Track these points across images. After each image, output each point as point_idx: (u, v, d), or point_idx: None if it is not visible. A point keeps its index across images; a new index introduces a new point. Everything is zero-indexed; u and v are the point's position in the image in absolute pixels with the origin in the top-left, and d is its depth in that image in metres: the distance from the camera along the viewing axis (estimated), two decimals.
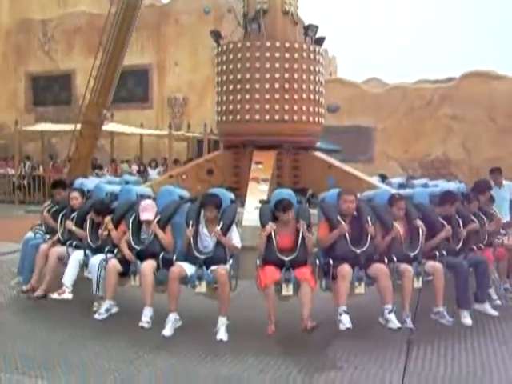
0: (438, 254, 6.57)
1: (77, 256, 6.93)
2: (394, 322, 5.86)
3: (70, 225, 7.34)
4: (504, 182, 9.68)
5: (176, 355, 5.65)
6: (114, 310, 6.42)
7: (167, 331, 5.86)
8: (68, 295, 6.74)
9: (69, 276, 6.85)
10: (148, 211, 6.61)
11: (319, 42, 9.55)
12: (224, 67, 9.39)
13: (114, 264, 6.38)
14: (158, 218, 6.57)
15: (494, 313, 6.89)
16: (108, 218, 6.87)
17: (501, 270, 7.79)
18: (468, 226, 7.25)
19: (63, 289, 6.76)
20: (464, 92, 22.02)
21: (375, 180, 10.10)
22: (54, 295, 6.72)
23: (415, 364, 5.51)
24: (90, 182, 8.49)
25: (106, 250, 6.61)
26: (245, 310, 6.56)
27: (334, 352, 5.79)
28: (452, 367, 5.45)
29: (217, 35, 9.76)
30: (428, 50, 68.20)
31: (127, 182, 9.27)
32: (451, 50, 65.93)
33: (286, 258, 6.04)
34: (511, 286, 7.84)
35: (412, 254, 6.37)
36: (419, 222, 6.53)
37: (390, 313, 5.92)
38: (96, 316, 6.27)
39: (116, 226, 6.81)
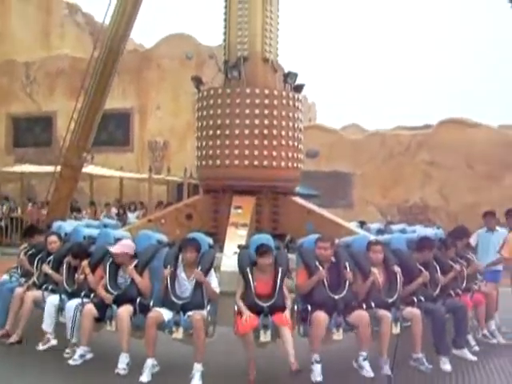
0: (415, 299, 6.59)
1: (52, 301, 6.85)
2: (368, 371, 5.88)
3: (47, 268, 7.27)
4: (498, 228, 9.29)
5: None
6: (89, 355, 6.33)
7: (145, 377, 5.78)
8: (53, 341, 6.78)
9: (48, 322, 6.80)
10: (118, 246, 6.60)
11: (298, 89, 9.72)
12: (204, 112, 9.50)
13: (90, 309, 6.31)
14: (135, 263, 6.52)
15: (473, 358, 6.89)
16: (85, 262, 6.82)
17: (479, 315, 7.80)
18: (446, 272, 7.29)
19: (47, 337, 6.75)
20: (441, 139, 22.35)
21: (353, 226, 10.16)
22: (40, 347, 6.71)
23: None
24: (68, 225, 8.44)
25: (83, 294, 6.55)
26: (222, 356, 6.48)
27: None
28: None
29: (198, 81, 9.89)
30: (405, 98, 69.35)
31: (106, 226, 9.23)
32: (428, 97, 67.16)
33: (265, 304, 6.00)
34: (489, 332, 7.86)
35: (390, 300, 6.37)
36: (397, 268, 6.56)
37: (364, 360, 5.91)
38: (70, 362, 6.19)
39: (93, 270, 6.76)
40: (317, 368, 5.66)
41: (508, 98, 61.25)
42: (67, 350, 6.50)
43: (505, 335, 8.10)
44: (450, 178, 22.08)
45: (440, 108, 53.40)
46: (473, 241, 9.14)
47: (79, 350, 6.25)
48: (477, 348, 7.24)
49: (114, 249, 6.62)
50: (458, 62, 75.24)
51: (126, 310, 6.16)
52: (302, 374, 5.72)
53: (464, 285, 7.61)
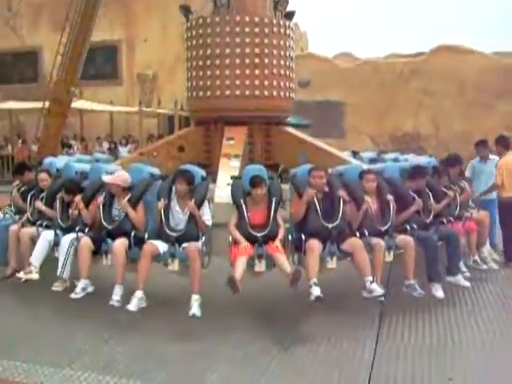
0: (408, 227, 6.64)
1: (47, 236, 6.83)
2: (379, 290, 5.89)
3: (40, 205, 7.24)
4: (491, 157, 9.18)
5: (149, 333, 5.64)
6: (90, 289, 6.33)
7: (132, 306, 5.72)
8: (34, 275, 6.62)
9: (37, 255, 6.72)
10: (112, 176, 6.60)
11: (289, 16, 9.52)
12: (193, 42, 9.31)
13: (87, 242, 6.30)
14: (128, 197, 6.50)
15: (467, 284, 6.98)
16: (78, 197, 6.77)
17: (471, 242, 7.89)
18: (439, 199, 7.32)
19: (30, 268, 6.65)
20: (434, 66, 22.11)
21: (346, 155, 10.15)
22: (21, 274, 6.65)
23: (387, 335, 5.59)
24: (59, 161, 8.37)
25: (77, 229, 6.54)
26: (217, 286, 6.56)
27: (308, 326, 5.84)
28: (423, 338, 5.54)
29: (186, 10, 9.66)
30: (398, 25, 68.14)
31: (97, 160, 9.18)
32: (421, 24, 66.05)
33: (259, 234, 6.04)
34: (480, 259, 7.98)
35: (383, 228, 6.41)
36: (390, 197, 6.57)
37: (371, 283, 5.92)
38: (72, 295, 6.17)
39: (86, 205, 6.73)
40: (316, 289, 5.64)
41: (503, 25, 60.31)
42: (56, 284, 6.48)
43: (496, 261, 8.24)
44: (442, 106, 21.97)
45: (433, 35, 52.58)
46: (468, 172, 9.15)
47: (80, 284, 6.24)
48: (468, 274, 7.34)
49: (107, 178, 6.59)
50: None
51: (121, 243, 6.16)
52: (295, 302, 5.81)
53: (457, 212, 7.67)
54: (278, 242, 6.07)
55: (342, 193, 6.31)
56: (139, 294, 5.88)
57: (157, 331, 5.68)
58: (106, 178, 6.62)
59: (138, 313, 5.75)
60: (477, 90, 21.66)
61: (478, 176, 9.09)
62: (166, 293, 6.45)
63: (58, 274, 6.49)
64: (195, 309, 5.80)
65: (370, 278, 5.95)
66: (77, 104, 19.60)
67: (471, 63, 21.84)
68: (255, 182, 6.22)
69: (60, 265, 6.50)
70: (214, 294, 6.20)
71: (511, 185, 8.29)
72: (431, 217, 7.05)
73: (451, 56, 22.15)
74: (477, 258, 7.94)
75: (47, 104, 16.47)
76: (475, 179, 9.08)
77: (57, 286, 6.49)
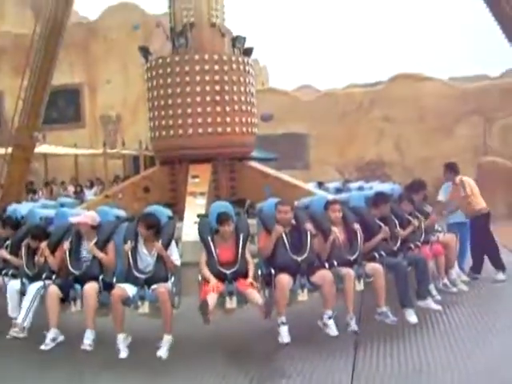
0: (377, 255, 6.68)
1: (14, 285, 6.69)
2: (333, 329, 5.95)
3: (4, 253, 7.12)
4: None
5: (121, 377, 5.53)
6: (61, 338, 6.21)
7: (123, 353, 5.79)
8: (19, 334, 6.36)
9: (13, 307, 6.58)
10: (82, 216, 6.54)
11: (248, 52, 9.63)
12: (154, 82, 9.35)
13: (54, 290, 6.18)
14: (95, 240, 6.43)
15: (437, 307, 7.04)
16: (44, 244, 6.68)
17: (439, 265, 7.97)
18: (404, 225, 7.41)
19: (14, 322, 6.42)
20: (393, 94, 22.50)
21: (311, 186, 10.22)
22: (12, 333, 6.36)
23: (363, 365, 5.56)
24: (23, 208, 8.26)
25: (44, 276, 6.42)
26: (188, 326, 6.49)
27: (281, 361, 5.76)
28: (399, 365, 5.53)
29: (145, 51, 9.72)
30: (356, 56, 69.62)
31: (63, 205, 9.08)
32: (379, 55, 67.48)
33: (228, 271, 6.01)
34: (449, 281, 8.05)
35: (352, 258, 6.45)
36: (356, 226, 6.63)
37: (329, 319, 5.99)
38: (42, 347, 6.05)
39: (53, 251, 6.63)
40: (284, 330, 5.71)
41: (457, 50, 61.97)
42: (15, 329, 6.25)
43: (465, 282, 8.32)
44: (404, 133, 22.32)
45: (391, 64, 53.72)
46: (441, 196, 9.28)
47: (50, 334, 6.12)
48: (439, 297, 7.41)
49: (76, 219, 6.51)
50: (406, 17, 75.58)
51: (92, 287, 6.07)
52: (268, 338, 5.77)
53: (423, 237, 7.76)
54: (250, 279, 6.06)
55: (308, 226, 6.34)
56: (121, 337, 5.88)
57: (128, 374, 5.56)
58: (74, 219, 6.53)
59: (109, 356, 5.66)
60: (436, 115, 22.10)
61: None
62: (136, 335, 6.33)
63: (18, 321, 6.28)
64: (163, 351, 5.76)
65: (330, 313, 6.02)
66: (40, 148, 19.36)
67: (429, 90, 22.31)
68: (222, 219, 6.22)
69: (23, 313, 6.32)
70: (186, 334, 6.14)
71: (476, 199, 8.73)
72: (398, 243, 7.12)
73: (409, 83, 22.60)
74: (446, 281, 8.01)
75: (10, 150, 16.26)
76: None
77: (15, 332, 6.25)
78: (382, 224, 6.97)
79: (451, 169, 9.31)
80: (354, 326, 6.20)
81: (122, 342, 5.88)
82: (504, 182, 16.48)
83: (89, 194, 19.81)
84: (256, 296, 5.80)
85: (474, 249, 8.96)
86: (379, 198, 7.27)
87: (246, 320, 6.02)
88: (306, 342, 6.04)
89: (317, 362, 5.65)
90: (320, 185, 11.13)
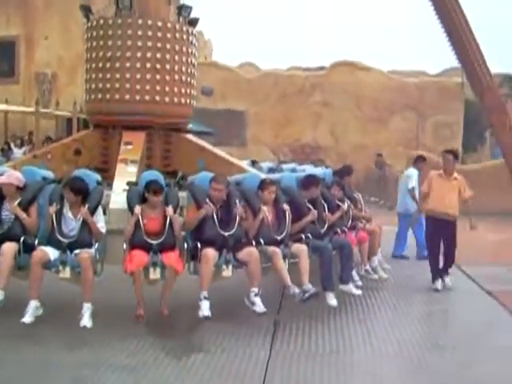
0: (303, 236, 6.75)
1: None
2: (260, 306, 5.97)
3: None
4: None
5: (40, 344, 5.39)
6: None
7: (27, 318, 5.57)
8: None
9: None
10: (4, 176, 6.29)
11: (193, 22, 9.48)
12: (94, 43, 9.09)
13: None
14: (19, 200, 6.22)
15: (358, 292, 7.22)
16: None
17: (363, 252, 8.15)
18: (333, 210, 7.52)
19: None
20: (333, 81, 22.76)
21: (245, 164, 10.22)
22: None
23: (281, 343, 5.64)
24: None
25: None
26: (111, 294, 6.41)
27: (202, 335, 5.78)
28: (316, 346, 5.65)
29: (87, 10, 9.43)
30: (301, 40, 69.77)
31: None
32: (323, 41, 67.90)
33: (154, 242, 5.95)
34: (371, 268, 8.25)
35: (279, 237, 6.50)
36: (286, 206, 6.67)
37: (255, 296, 6.01)
38: None
39: None
40: (205, 304, 5.71)
41: (399, 44, 63.07)
42: None
43: (386, 270, 8.55)
44: (341, 119, 22.65)
45: (334, 52, 54.16)
46: (411, 184, 9.89)
47: None
48: (360, 283, 7.59)
49: (1, 179, 6.26)
50: (358, 5, 76.27)
51: (10, 247, 5.85)
52: (190, 311, 5.77)
53: (350, 223, 7.90)
54: (177, 252, 6.06)
55: (239, 209, 6.33)
56: (33, 304, 5.68)
57: (47, 342, 5.43)
58: (1, 179, 6.28)
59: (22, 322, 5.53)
60: (373, 105, 22.52)
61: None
62: (57, 301, 6.21)
63: None
64: (86, 319, 5.69)
65: (256, 290, 6.04)
66: None
67: (369, 80, 22.69)
68: (153, 188, 6.11)
69: None
70: (107, 303, 6.06)
71: (435, 198, 8.00)
72: (326, 227, 7.21)
73: (350, 71, 22.91)
74: (368, 267, 8.20)
75: None
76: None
77: None
78: (311, 206, 7.04)
79: (424, 160, 10.33)
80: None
81: (32, 309, 5.65)
82: None
83: (17, 153, 19.16)
84: (166, 291, 5.88)
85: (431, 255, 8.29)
86: (310, 181, 7.33)
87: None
88: (227, 318, 6.08)
89: (236, 338, 5.69)
90: (254, 163, 11.15)
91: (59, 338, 5.51)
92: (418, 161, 10.34)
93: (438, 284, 7.87)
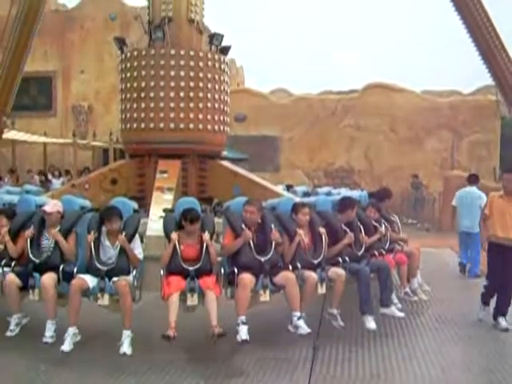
0: (340, 260, 6.70)
1: None
2: (304, 328, 5.90)
3: None
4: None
5: (79, 371, 5.44)
6: (25, 320, 6.21)
7: (66, 346, 5.64)
8: None
9: None
10: (48, 205, 6.39)
11: (224, 50, 9.60)
12: (128, 74, 9.27)
13: (13, 278, 6.06)
14: (58, 228, 6.33)
15: (401, 314, 7.10)
16: (5, 230, 6.53)
17: (401, 274, 8.03)
18: (369, 232, 7.45)
19: None
20: (366, 103, 22.70)
21: (280, 189, 10.23)
22: None
23: (321, 367, 5.60)
24: None
25: (3, 263, 6.29)
26: (149, 321, 6.43)
27: (241, 360, 5.77)
28: (356, 369, 5.58)
29: (120, 42, 9.63)
30: (332, 64, 70.06)
31: (28, 192, 8.94)
32: (355, 64, 68.03)
33: (191, 268, 5.97)
34: (411, 290, 8.12)
35: (316, 261, 6.46)
36: (322, 229, 6.64)
37: (298, 319, 5.95)
38: (8, 333, 6.01)
39: (14, 238, 6.50)
40: (243, 329, 5.67)
41: (431, 64, 62.74)
42: None
43: (426, 292, 8.41)
44: (374, 142, 22.55)
45: (366, 74, 54.24)
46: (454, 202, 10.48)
47: (13, 320, 6.07)
48: (399, 306, 7.46)
49: (47, 208, 6.37)
50: (386, 27, 76.36)
51: (50, 278, 5.97)
52: (229, 337, 5.75)
53: (388, 245, 7.82)
54: (213, 278, 6.05)
55: (274, 234, 6.31)
56: (71, 331, 5.76)
57: (86, 369, 5.49)
58: (47, 208, 6.37)
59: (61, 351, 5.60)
60: (407, 126, 22.37)
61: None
62: (97, 328, 6.26)
63: None
64: (126, 346, 5.72)
65: (298, 314, 5.98)
66: (8, 134, 19.07)
67: (402, 101, 22.56)
68: (192, 217, 6.13)
69: None
70: (146, 330, 6.08)
71: (497, 222, 7.20)
72: (363, 249, 7.15)
73: (383, 93, 22.83)
74: (408, 289, 8.07)
75: None
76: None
77: None
78: (347, 229, 6.99)
79: (478, 178, 10.62)
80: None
81: (70, 336, 5.73)
82: None
83: (56, 184, 19.51)
84: (213, 312, 5.74)
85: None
86: (346, 203, 7.29)
87: (206, 317, 5.97)
88: (266, 342, 6.06)
89: (275, 362, 5.67)
90: (288, 188, 11.15)
91: (99, 365, 5.56)
92: (475, 179, 10.56)
93: (481, 313, 7.36)
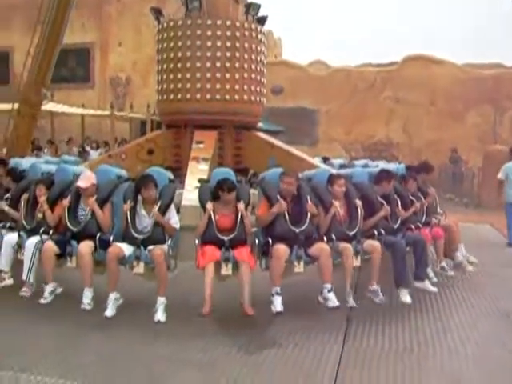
0: (376, 232, 6.63)
1: (10, 239, 6.69)
2: (333, 301, 5.88)
3: (3, 205, 7.10)
4: None
5: (116, 337, 5.53)
6: (59, 290, 6.33)
7: (109, 311, 5.79)
8: (8, 281, 6.63)
9: (5, 261, 6.65)
10: (82, 180, 6.46)
11: (261, 21, 9.51)
12: (165, 45, 9.26)
13: (50, 246, 6.18)
14: (95, 197, 6.40)
15: (434, 289, 7.01)
16: (43, 199, 6.64)
17: (438, 248, 7.92)
18: (406, 205, 7.34)
19: (2, 276, 6.62)
20: (405, 75, 22.32)
21: (317, 161, 10.16)
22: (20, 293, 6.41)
23: (353, 341, 5.56)
24: (25, 162, 8.23)
25: (41, 231, 6.40)
26: (184, 290, 6.49)
27: (274, 331, 5.78)
28: (390, 343, 5.53)
29: (157, 12, 9.61)
30: (371, 36, 68.92)
31: (66, 162, 9.05)
32: (394, 35, 66.80)
33: (226, 238, 5.99)
34: (447, 265, 8.01)
35: (351, 233, 6.40)
36: (358, 202, 6.57)
37: (329, 292, 5.94)
38: (41, 300, 6.12)
39: (51, 207, 6.61)
40: (277, 300, 5.70)
41: (473, 37, 61.22)
42: (24, 289, 6.34)
43: (473, 264, 8.22)
44: (414, 115, 22.19)
45: (406, 46, 53.23)
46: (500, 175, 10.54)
47: (48, 287, 6.18)
48: (435, 280, 7.38)
49: (81, 183, 6.43)
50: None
51: (86, 246, 6.07)
52: (263, 307, 5.77)
53: (424, 218, 7.70)
54: (248, 248, 6.06)
55: (311, 207, 6.26)
56: (112, 296, 5.90)
57: (122, 335, 5.57)
58: (82, 184, 6.43)
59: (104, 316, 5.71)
60: (447, 99, 21.93)
61: None
62: (132, 296, 6.34)
63: (24, 279, 6.35)
64: (160, 314, 5.81)
65: (329, 286, 5.95)
66: (47, 106, 19.28)
67: (442, 73, 22.10)
68: (228, 187, 6.13)
69: (25, 269, 6.35)
70: (180, 298, 6.14)
71: None
72: (399, 223, 7.07)
73: (423, 66, 22.40)
74: (444, 264, 7.95)
75: (17, 105, 16.18)
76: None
77: (24, 292, 6.34)
78: (383, 202, 6.91)
79: None
80: (351, 302, 6.23)
81: (112, 302, 5.87)
82: None
83: (93, 155, 19.74)
84: (245, 289, 5.76)
85: None
86: (383, 176, 7.18)
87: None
88: (299, 313, 6.04)
89: (308, 334, 5.66)
90: (325, 160, 11.07)
91: (133, 332, 5.63)
92: None
93: None
